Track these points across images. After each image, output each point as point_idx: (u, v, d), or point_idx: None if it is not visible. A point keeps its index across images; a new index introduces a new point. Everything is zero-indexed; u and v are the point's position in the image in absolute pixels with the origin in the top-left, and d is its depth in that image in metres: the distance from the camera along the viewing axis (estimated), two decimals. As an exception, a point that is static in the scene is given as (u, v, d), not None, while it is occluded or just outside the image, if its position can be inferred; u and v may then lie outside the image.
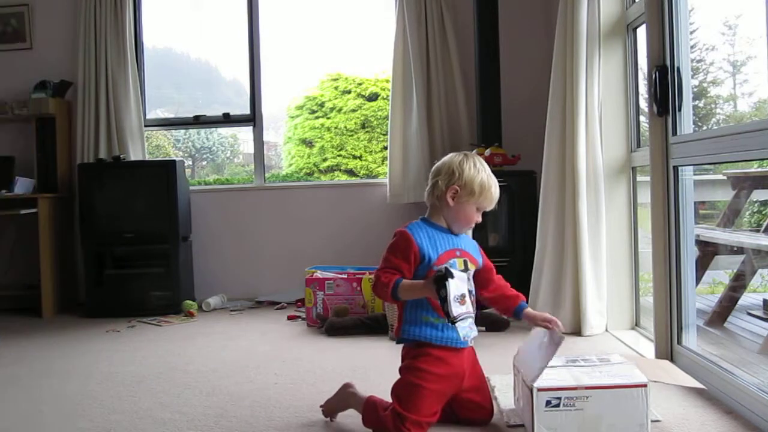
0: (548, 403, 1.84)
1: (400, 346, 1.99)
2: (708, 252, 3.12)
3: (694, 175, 2.61)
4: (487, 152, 3.92)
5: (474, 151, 3.98)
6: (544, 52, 4.32)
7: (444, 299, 1.74)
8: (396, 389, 1.92)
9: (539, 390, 1.84)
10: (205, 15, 5.62)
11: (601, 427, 1.83)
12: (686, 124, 2.55)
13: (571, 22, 3.21)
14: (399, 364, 1.86)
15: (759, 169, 3.09)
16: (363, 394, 2.04)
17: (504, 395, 2.27)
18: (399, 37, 4.50)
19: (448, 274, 1.75)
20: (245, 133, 6.31)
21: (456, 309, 1.76)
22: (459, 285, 1.78)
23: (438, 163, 2.00)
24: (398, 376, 1.96)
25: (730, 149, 2.15)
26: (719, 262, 3.20)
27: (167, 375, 2.77)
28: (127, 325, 3.90)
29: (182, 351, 3.21)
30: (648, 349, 2.80)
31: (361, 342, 3.26)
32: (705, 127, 3.30)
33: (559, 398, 1.84)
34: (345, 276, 3.79)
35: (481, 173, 1.94)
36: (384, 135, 5.73)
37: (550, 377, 1.89)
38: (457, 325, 1.86)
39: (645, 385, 1.83)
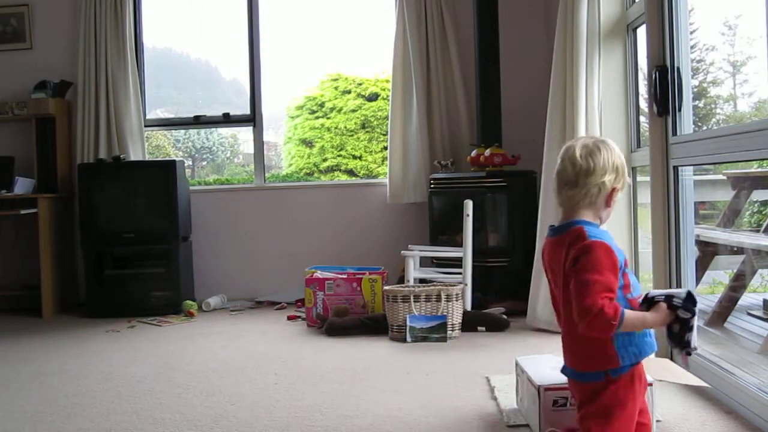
0: (555, 402, 1.84)
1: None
2: (708, 252, 3.12)
3: (694, 175, 2.61)
4: (487, 152, 3.92)
5: (474, 152, 4.03)
6: (544, 52, 4.32)
7: (691, 327, 1.51)
8: None
9: (546, 389, 1.85)
10: (205, 15, 5.63)
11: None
12: (686, 124, 2.55)
13: (571, 23, 3.21)
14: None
15: (759, 169, 3.09)
16: None
17: (504, 395, 2.27)
18: (399, 37, 4.50)
19: (695, 299, 1.53)
20: (245, 133, 6.30)
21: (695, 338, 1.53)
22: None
23: (593, 157, 1.62)
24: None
25: (730, 149, 2.15)
26: (719, 262, 3.20)
27: (167, 375, 2.77)
28: (127, 326, 3.90)
29: (182, 351, 3.21)
30: (648, 349, 2.79)
31: (361, 342, 3.25)
32: (705, 127, 3.30)
33: (566, 398, 1.85)
34: (345, 276, 3.79)
35: (625, 165, 1.67)
36: (384, 135, 5.73)
37: (556, 377, 1.90)
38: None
39: (650, 384, 1.83)
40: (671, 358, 2.53)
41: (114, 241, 4.28)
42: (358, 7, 5.68)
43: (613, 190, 1.63)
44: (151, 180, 4.35)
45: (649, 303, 1.58)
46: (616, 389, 1.56)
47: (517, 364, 2.11)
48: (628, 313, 1.50)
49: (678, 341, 1.54)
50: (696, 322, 1.52)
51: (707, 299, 3.35)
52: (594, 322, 1.48)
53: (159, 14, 5.04)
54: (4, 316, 4.32)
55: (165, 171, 4.30)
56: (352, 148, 6.44)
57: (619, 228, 3.30)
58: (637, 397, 1.58)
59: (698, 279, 3.03)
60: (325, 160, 6.51)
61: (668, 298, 1.54)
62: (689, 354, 1.54)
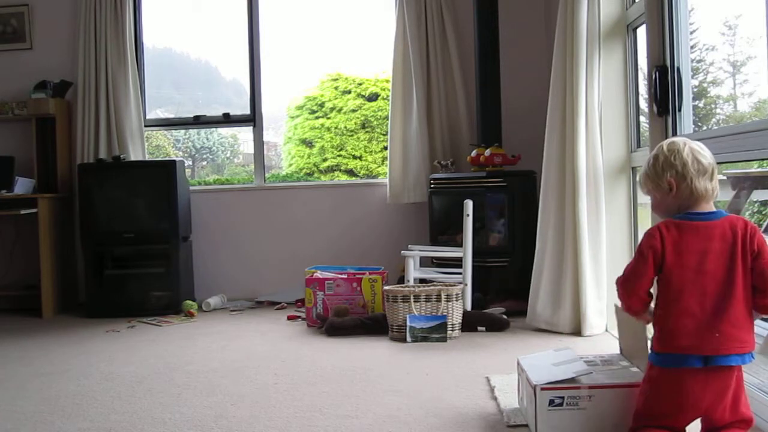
0: (551, 402, 1.85)
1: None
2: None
3: (694, 175, 2.60)
4: (487, 152, 3.92)
5: (474, 152, 4.03)
6: (544, 52, 4.32)
7: None
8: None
9: (542, 389, 1.85)
10: (205, 15, 5.62)
11: (605, 427, 1.84)
12: (686, 124, 2.55)
13: (571, 22, 3.21)
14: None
15: (759, 169, 3.09)
16: None
17: (504, 395, 2.27)
18: (399, 37, 4.50)
19: None
20: (245, 133, 6.30)
21: None
22: None
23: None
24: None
25: (730, 149, 2.15)
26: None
27: (167, 375, 2.77)
28: (127, 325, 3.90)
29: (182, 351, 3.21)
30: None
31: (361, 342, 3.25)
32: (705, 127, 3.30)
33: (563, 397, 1.85)
34: (345, 276, 3.79)
35: None
36: (384, 135, 5.73)
37: (554, 376, 1.90)
38: None
39: None
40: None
41: (114, 241, 4.28)
42: (358, 7, 5.68)
43: None
44: (151, 180, 4.35)
45: None
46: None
47: (518, 364, 2.11)
48: None
49: None
50: None
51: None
52: None
53: (159, 14, 5.04)
54: (4, 316, 4.32)
55: (165, 171, 4.30)
56: (352, 148, 6.44)
57: (620, 228, 3.31)
58: None
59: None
60: (325, 160, 6.51)
61: None
62: None
